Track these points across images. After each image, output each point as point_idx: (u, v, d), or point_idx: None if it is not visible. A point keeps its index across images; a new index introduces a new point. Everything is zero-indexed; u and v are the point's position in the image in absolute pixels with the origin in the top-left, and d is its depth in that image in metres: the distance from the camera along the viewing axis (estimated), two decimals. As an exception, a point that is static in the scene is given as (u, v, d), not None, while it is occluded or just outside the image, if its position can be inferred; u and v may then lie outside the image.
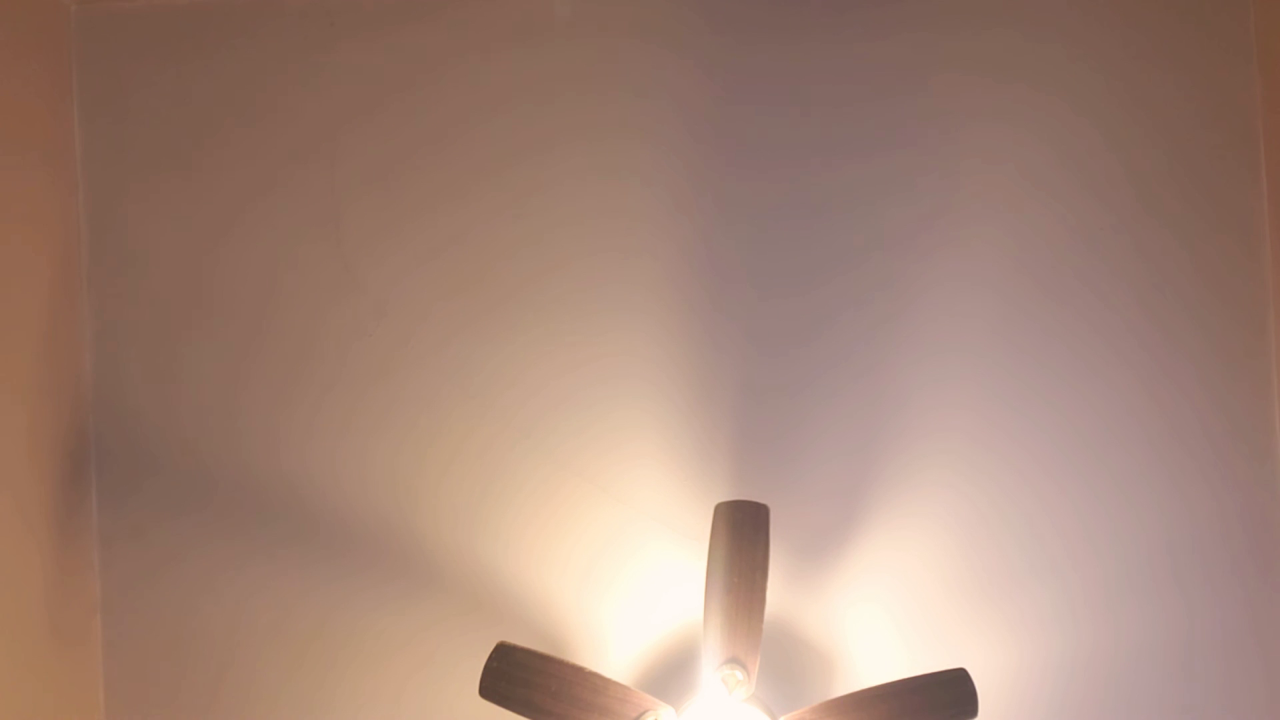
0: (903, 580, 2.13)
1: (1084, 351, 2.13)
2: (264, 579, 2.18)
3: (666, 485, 2.15)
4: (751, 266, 2.16)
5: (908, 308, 2.14)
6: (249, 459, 2.18)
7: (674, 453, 2.15)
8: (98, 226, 2.21)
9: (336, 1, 2.21)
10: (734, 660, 1.82)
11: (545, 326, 2.17)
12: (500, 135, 2.18)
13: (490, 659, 1.77)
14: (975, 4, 2.16)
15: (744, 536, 1.82)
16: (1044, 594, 2.13)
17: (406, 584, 2.17)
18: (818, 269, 2.16)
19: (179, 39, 2.21)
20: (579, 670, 1.79)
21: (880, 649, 2.13)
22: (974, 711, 1.78)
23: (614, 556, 2.15)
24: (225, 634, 2.18)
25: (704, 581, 1.84)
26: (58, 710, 2.06)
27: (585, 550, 2.16)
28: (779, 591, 2.12)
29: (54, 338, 2.12)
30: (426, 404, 2.17)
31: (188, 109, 2.21)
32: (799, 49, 2.17)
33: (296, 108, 2.21)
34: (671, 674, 2.13)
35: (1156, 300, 2.13)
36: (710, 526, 1.84)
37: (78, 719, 2.13)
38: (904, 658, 2.13)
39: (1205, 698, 2.12)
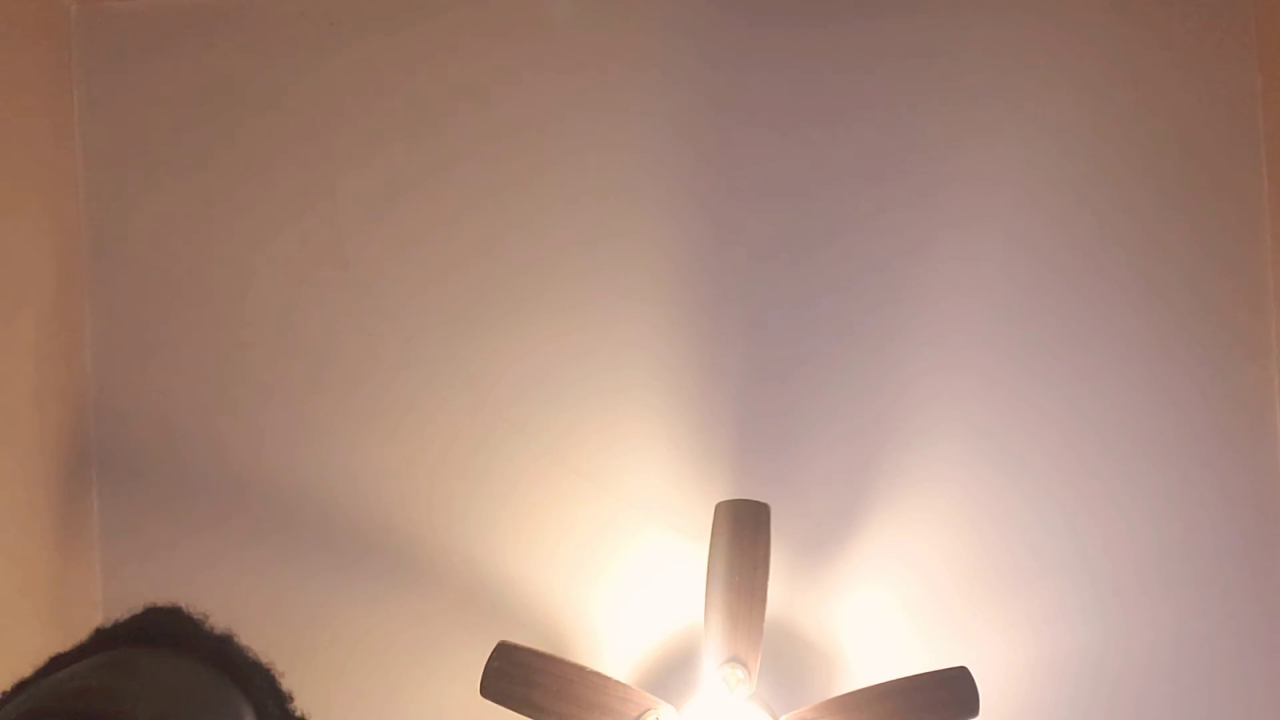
0: (904, 579, 2.13)
1: (1090, 344, 2.13)
2: (264, 579, 2.17)
3: (666, 483, 2.14)
4: (753, 256, 2.14)
5: (911, 297, 2.13)
6: (249, 458, 2.18)
7: (673, 450, 2.14)
8: (98, 226, 2.21)
9: (336, 2, 2.21)
10: (735, 659, 1.81)
11: (539, 318, 2.15)
12: (494, 115, 2.15)
13: (491, 658, 1.77)
14: (974, 3, 2.15)
15: (745, 534, 1.82)
16: (1048, 591, 2.12)
17: (407, 584, 2.16)
18: (821, 259, 2.14)
19: (179, 39, 2.21)
20: (580, 669, 1.79)
21: (882, 647, 2.13)
22: (975, 710, 1.78)
23: (614, 555, 2.15)
24: (226, 634, 2.17)
25: (705, 579, 1.84)
26: (58, 710, 2.06)
27: (585, 549, 2.15)
28: (780, 589, 2.11)
29: (54, 337, 2.11)
30: (427, 403, 2.17)
31: (189, 109, 2.21)
32: (806, 31, 2.16)
33: (297, 108, 2.20)
34: (672, 673, 2.12)
35: (1160, 295, 2.13)
36: (711, 525, 1.84)
37: (78, 719, 2.12)
38: (906, 656, 2.12)
39: (1209, 697, 2.11)
